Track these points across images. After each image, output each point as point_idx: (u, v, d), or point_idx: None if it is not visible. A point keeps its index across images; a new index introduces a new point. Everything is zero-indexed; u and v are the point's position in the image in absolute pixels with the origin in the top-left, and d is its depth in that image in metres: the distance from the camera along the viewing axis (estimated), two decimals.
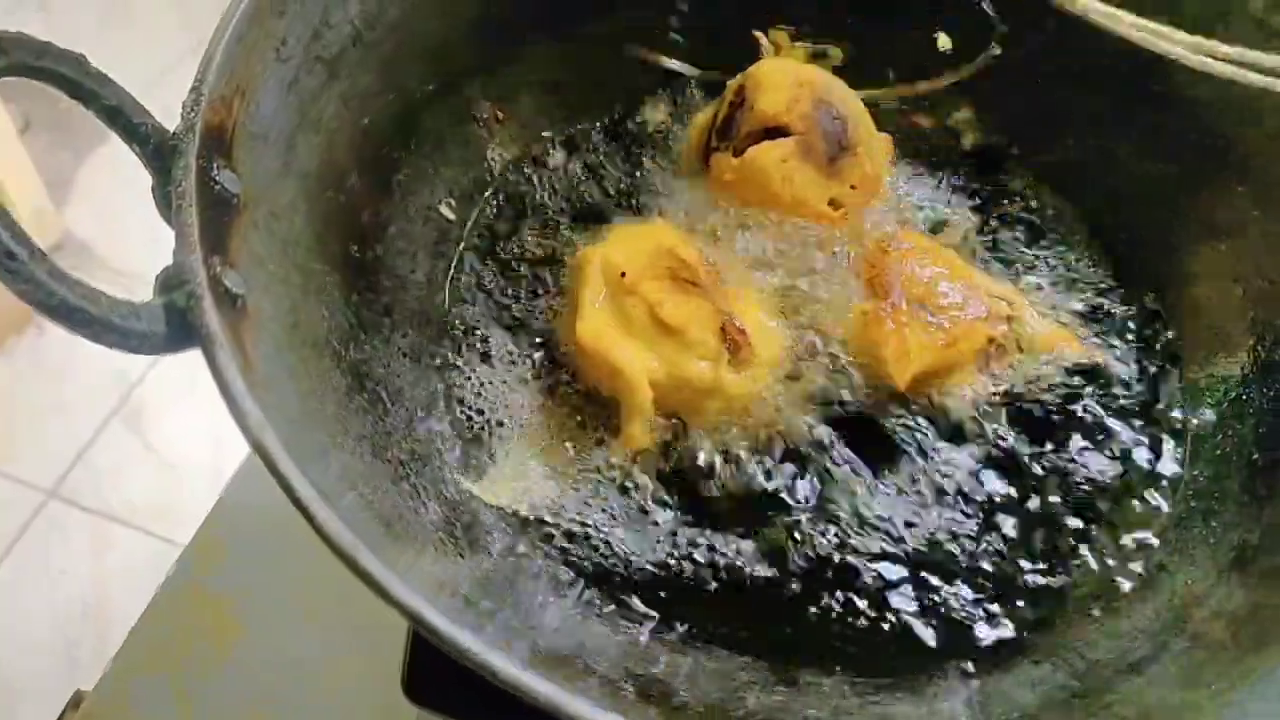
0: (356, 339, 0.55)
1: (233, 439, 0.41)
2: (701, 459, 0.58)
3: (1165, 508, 0.58)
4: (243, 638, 0.74)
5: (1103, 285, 0.66)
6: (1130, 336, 0.64)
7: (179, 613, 0.76)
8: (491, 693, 0.55)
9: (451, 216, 0.65)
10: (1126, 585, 0.55)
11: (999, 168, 0.71)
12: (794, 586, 0.55)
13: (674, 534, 0.56)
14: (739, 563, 0.56)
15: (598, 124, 0.72)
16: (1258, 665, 0.47)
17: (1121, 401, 0.62)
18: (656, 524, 0.57)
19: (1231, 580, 0.53)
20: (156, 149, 0.47)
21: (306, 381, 0.49)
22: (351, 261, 0.58)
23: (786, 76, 0.66)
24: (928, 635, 0.54)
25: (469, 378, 0.61)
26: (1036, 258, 0.67)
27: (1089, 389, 0.62)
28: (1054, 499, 0.58)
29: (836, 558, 0.56)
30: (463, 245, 0.65)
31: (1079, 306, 0.65)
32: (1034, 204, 0.69)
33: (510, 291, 0.64)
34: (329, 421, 0.49)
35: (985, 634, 0.54)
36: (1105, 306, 0.65)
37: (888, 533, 0.57)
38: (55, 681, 1.49)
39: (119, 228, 1.90)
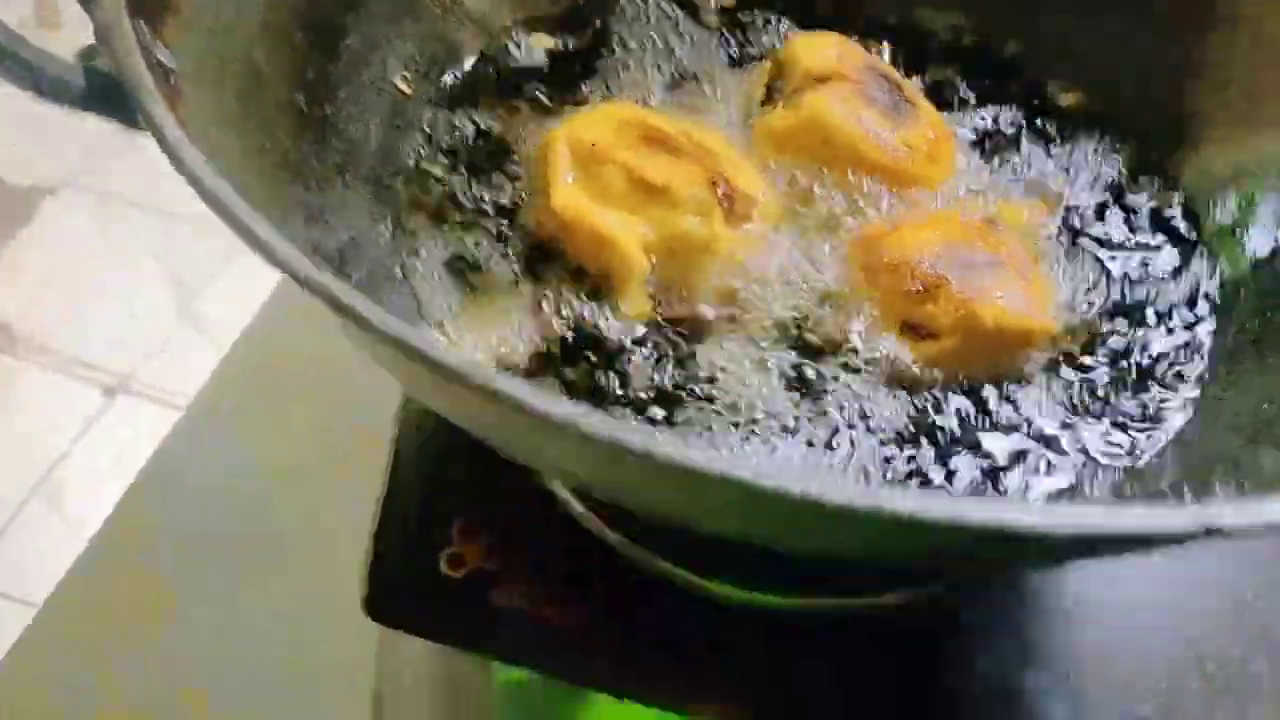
0: (306, 181, 0.50)
1: None
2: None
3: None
4: (164, 617, 0.66)
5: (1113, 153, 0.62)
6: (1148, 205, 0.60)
7: (95, 590, 0.68)
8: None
9: (408, 91, 0.60)
10: None
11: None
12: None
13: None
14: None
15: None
16: None
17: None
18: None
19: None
20: None
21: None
22: (298, 111, 0.52)
23: (829, 41, 0.61)
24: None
25: (424, 257, 0.55)
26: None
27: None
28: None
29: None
30: (422, 124, 0.60)
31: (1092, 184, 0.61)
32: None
33: (475, 176, 0.58)
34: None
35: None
36: (1115, 178, 0.61)
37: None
38: None
39: (39, 309, 1.85)
